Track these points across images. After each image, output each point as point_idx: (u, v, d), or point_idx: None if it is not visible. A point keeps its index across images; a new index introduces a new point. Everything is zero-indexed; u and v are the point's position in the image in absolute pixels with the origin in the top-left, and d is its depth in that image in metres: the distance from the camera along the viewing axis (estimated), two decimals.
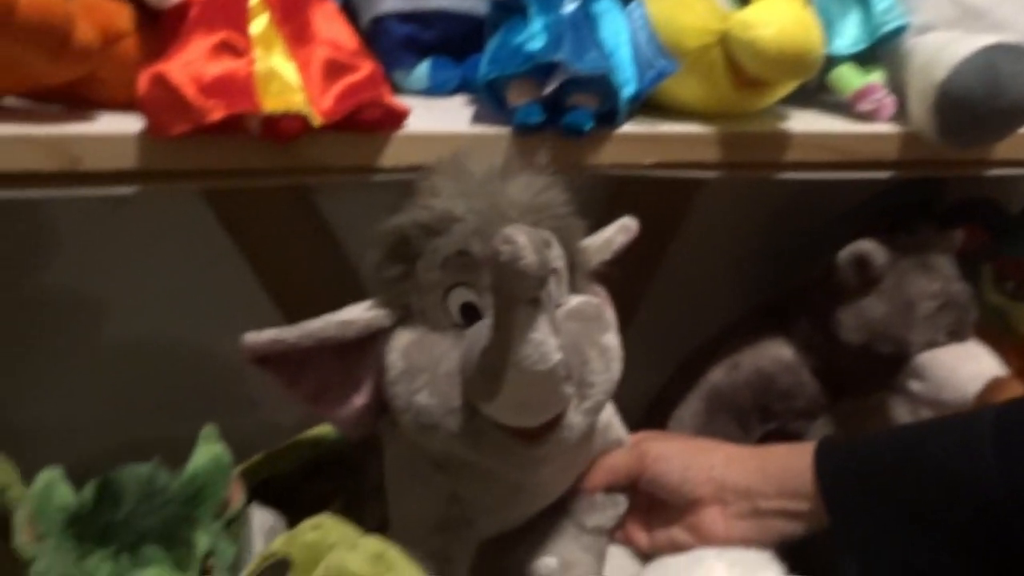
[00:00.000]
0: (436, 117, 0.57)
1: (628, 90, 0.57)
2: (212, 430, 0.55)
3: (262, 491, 0.62)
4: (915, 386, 0.66)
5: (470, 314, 0.49)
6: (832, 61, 0.66)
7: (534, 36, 0.54)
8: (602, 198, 0.77)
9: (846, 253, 0.67)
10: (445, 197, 0.49)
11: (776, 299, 0.77)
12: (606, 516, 0.61)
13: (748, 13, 0.55)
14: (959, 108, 0.58)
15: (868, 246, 0.66)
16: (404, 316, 0.51)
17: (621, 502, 0.61)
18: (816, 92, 0.67)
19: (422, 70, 0.62)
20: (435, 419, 0.49)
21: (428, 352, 0.50)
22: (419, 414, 0.49)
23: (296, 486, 0.65)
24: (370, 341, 0.52)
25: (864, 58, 0.68)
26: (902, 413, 0.78)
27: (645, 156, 0.58)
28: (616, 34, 0.56)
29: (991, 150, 0.65)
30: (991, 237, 0.79)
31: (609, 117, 0.56)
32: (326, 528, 0.38)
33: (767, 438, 0.73)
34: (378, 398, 0.53)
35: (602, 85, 0.54)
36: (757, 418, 0.73)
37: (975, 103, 0.57)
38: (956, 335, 0.66)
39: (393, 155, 0.54)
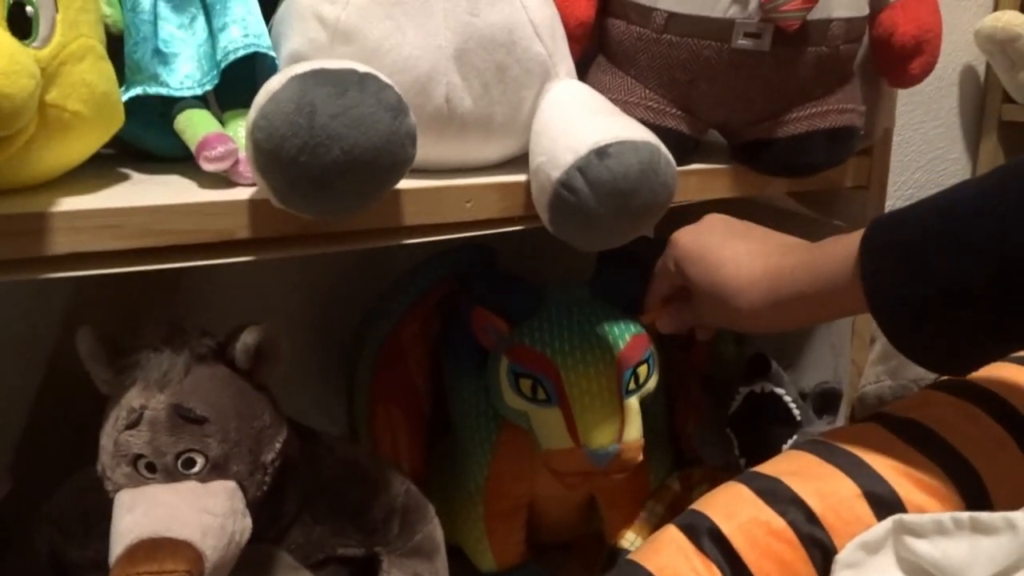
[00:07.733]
0: None
1: None
2: None
3: None
4: None
5: None
6: (175, 103, 0.47)
7: None
8: None
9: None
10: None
11: None
12: None
13: None
14: (273, 163, 0.40)
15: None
16: None
17: None
18: None
19: None
20: None
21: None
22: None
23: None
24: None
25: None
26: None
27: None
28: None
29: (400, 215, 0.48)
30: (508, 321, 0.61)
31: None
32: None
33: None
34: None
35: None
36: None
37: (288, 155, 0.39)
38: None
39: None
